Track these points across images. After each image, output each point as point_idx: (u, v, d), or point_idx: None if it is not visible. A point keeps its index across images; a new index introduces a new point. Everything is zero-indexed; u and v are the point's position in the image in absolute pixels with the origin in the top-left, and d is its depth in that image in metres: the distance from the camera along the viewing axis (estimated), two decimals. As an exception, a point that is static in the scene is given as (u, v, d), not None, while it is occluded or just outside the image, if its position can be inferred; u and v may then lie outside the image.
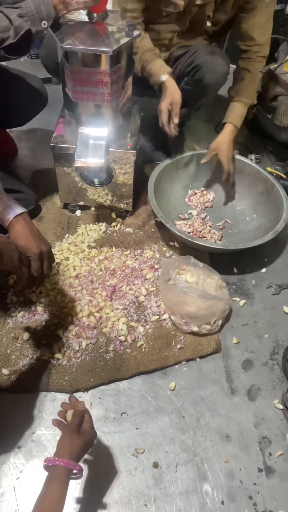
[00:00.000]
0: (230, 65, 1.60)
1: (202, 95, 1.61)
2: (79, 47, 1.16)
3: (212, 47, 1.59)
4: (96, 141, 1.36)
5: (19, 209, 1.09)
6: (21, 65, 2.20)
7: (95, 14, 1.22)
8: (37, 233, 1.09)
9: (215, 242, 1.57)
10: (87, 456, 1.09)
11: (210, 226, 1.64)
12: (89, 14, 1.23)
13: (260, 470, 1.10)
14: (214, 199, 1.73)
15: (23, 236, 1.05)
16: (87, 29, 1.22)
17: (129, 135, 1.46)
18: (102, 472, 1.07)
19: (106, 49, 1.15)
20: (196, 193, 1.74)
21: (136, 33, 1.22)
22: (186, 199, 1.72)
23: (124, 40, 1.19)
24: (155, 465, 1.09)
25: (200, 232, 1.60)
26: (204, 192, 1.75)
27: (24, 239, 1.05)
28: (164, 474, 1.08)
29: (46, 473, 0.87)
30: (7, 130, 1.86)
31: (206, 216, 1.67)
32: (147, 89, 1.84)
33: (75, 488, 1.04)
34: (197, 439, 1.14)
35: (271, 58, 2.56)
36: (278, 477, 1.09)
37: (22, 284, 1.02)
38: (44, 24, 1.11)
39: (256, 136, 2.10)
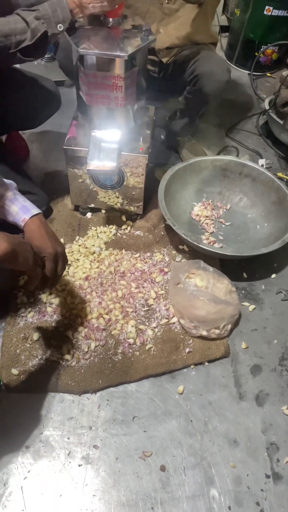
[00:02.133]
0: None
1: (204, 104, 1.63)
2: (94, 51, 1.17)
3: (214, 55, 1.60)
4: (109, 144, 1.36)
5: (35, 210, 1.10)
6: (35, 68, 2.22)
7: (111, 19, 1.23)
8: (52, 234, 1.10)
9: (212, 245, 1.57)
10: (94, 457, 1.09)
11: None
12: (105, 19, 1.24)
13: (267, 476, 1.09)
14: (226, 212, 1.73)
15: (38, 237, 1.06)
16: (103, 33, 1.23)
17: (141, 139, 1.46)
18: (109, 474, 1.07)
19: (121, 54, 1.16)
20: (206, 206, 1.72)
21: (151, 37, 1.23)
22: (193, 215, 1.71)
23: (140, 44, 1.20)
24: (162, 468, 1.09)
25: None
26: (219, 204, 1.74)
27: (39, 240, 1.06)
28: (172, 478, 1.07)
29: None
30: (20, 132, 1.88)
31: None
32: (160, 93, 1.86)
33: (82, 489, 1.04)
34: (204, 444, 1.14)
35: (283, 64, 2.58)
36: (285, 483, 1.08)
37: (35, 284, 1.02)
38: (60, 27, 1.12)
39: (267, 141, 2.10)
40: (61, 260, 1.10)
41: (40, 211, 1.12)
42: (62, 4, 1.09)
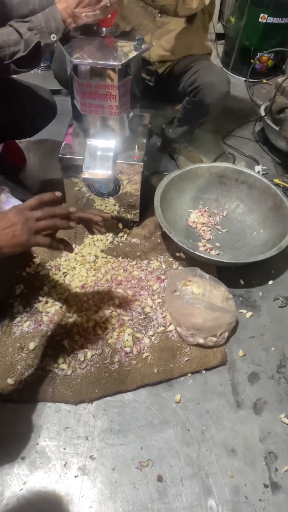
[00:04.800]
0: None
1: (204, 115, 1.63)
2: (87, 60, 1.18)
3: (214, 66, 1.61)
4: (104, 152, 1.37)
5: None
6: (31, 76, 2.24)
7: (104, 28, 1.24)
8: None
9: (209, 252, 1.57)
10: (90, 468, 1.08)
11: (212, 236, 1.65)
12: (98, 28, 1.25)
13: (266, 486, 1.08)
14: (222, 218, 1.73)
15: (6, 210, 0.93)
16: (96, 42, 1.24)
17: (136, 147, 1.47)
18: (106, 485, 1.06)
19: (115, 63, 1.17)
20: (202, 213, 1.72)
21: (145, 46, 1.23)
22: (190, 222, 1.71)
23: (133, 54, 1.21)
24: (160, 478, 1.08)
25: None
26: (215, 211, 1.74)
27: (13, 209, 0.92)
28: (169, 488, 1.06)
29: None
30: (16, 140, 1.88)
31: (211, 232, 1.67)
32: (156, 101, 1.87)
33: (78, 501, 1.03)
34: (202, 453, 1.13)
35: (279, 70, 2.59)
36: (284, 493, 1.07)
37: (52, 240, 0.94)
38: (54, 37, 1.12)
39: (263, 147, 2.10)
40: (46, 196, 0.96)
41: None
42: (55, 15, 1.10)
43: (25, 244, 0.89)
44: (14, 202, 1.09)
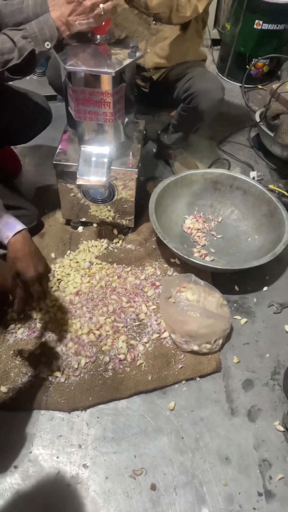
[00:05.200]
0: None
1: (198, 121, 1.64)
2: (81, 68, 1.18)
3: (208, 73, 1.61)
4: (99, 159, 1.37)
5: (20, 226, 1.11)
6: (27, 82, 2.23)
7: (98, 36, 1.24)
8: (35, 252, 1.11)
9: (204, 258, 1.57)
10: (83, 476, 1.07)
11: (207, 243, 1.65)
12: (92, 36, 1.25)
13: (260, 494, 1.08)
14: (217, 224, 1.73)
15: (21, 257, 1.07)
16: (90, 50, 1.24)
17: (131, 153, 1.47)
18: (99, 494, 1.06)
19: (109, 70, 1.17)
20: (197, 219, 1.72)
21: (139, 54, 1.24)
22: (185, 228, 1.70)
23: (127, 61, 1.21)
24: (153, 487, 1.07)
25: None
26: (210, 217, 1.74)
27: (22, 261, 1.07)
28: (162, 497, 1.06)
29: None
30: (12, 146, 1.88)
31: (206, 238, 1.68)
32: (151, 107, 1.87)
33: (71, 510, 1.02)
34: (196, 461, 1.12)
35: (274, 76, 2.60)
36: (278, 501, 1.07)
37: (19, 304, 1.04)
38: (48, 45, 1.12)
39: (258, 153, 2.11)
40: (44, 281, 1.12)
41: (25, 227, 1.12)
42: (48, 23, 1.10)
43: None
44: (5, 217, 1.11)
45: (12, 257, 1.07)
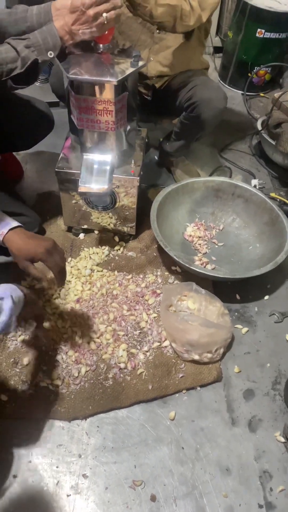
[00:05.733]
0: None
1: (200, 130, 1.64)
2: (84, 76, 1.18)
3: (210, 81, 1.61)
4: (101, 166, 1.37)
5: (14, 223, 1.13)
6: (30, 89, 2.21)
7: (101, 45, 1.24)
8: (33, 236, 1.13)
9: (205, 266, 1.57)
10: (83, 486, 1.07)
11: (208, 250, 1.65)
12: (95, 45, 1.25)
13: (260, 506, 1.07)
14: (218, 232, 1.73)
15: (22, 245, 1.09)
16: (93, 59, 1.24)
17: (133, 161, 1.47)
18: (99, 504, 1.05)
19: (111, 79, 1.17)
20: (199, 227, 1.71)
21: (141, 63, 1.24)
22: (186, 236, 1.70)
23: (130, 70, 1.21)
24: (153, 498, 1.06)
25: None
26: (212, 225, 1.74)
27: (24, 247, 1.09)
28: (162, 508, 1.05)
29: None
30: (14, 153, 1.89)
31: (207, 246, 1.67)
32: (153, 115, 1.88)
33: (70, 521, 1.02)
34: (196, 472, 1.11)
35: (276, 84, 2.61)
36: (279, 513, 1.06)
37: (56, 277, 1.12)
38: (51, 54, 1.13)
39: (260, 161, 2.11)
40: (56, 253, 1.11)
41: (20, 225, 1.14)
42: (52, 32, 1.10)
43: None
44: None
45: (15, 250, 1.09)
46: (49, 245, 1.11)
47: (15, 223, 1.13)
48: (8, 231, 1.11)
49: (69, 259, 1.56)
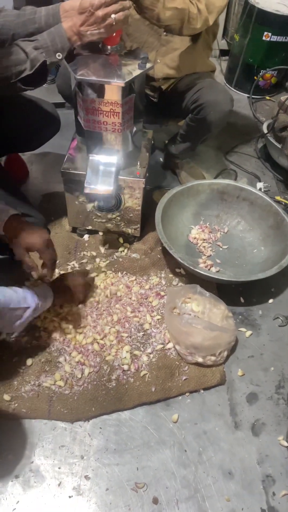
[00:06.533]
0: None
1: (206, 132, 1.64)
2: (92, 78, 1.18)
3: (217, 84, 1.61)
4: (106, 168, 1.37)
5: (12, 211, 1.18)
6: (36, 90, 2.24)
7: (109, 46, 1.25)
8: (33, 226, 1.21)
9: (209, 269, 1.57)
10: (85, 488, 1.06)
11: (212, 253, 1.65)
12: (103, 46, 1.26)
13: (263, 511, 1.07)
14: (223, 235, 1.73)
15: (23, 233, 1.16)
16: (101, 60, 1.24)
17: (138, 162, 1.47)
18: (100, 506, 1.05)
19: (119, 81, 1.17)
20: (203, 229, 1.71)
21: (149, 65, 1.24)
22: (191, 238, 1.70)
23: (137, 72, 1.21)
24: (155, 501, 1.06)
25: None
26: (216, 228, 1.74)
27: (25, 235, 1.16)
28: (164, 511, 1.05)
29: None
30: (20, 153, 1.89)
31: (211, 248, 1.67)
32: (159, 117, 1.88)
33: (72, 522, 1.02)
34: (198, 475, 1.11)
35: (282, 87, 2.61)
36: (281, 518, 1.06)
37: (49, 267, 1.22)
38: (59, 55, 1.13)
39: (265, 164, 2.11)
40: (51, 246, 1.21)
41: (18, 213, 1.19)
42: (60, 33, 1.10)
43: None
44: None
45: (13, 235, 1.15)
46: (47, 238, 1.19)
47: (14, 211, 1.18)
48: (8, 218, 1.16)
49: (73, 260, 1.56)
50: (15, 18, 1.18)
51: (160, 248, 1.62)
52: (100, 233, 1.65)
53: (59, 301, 1.32)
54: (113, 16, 1.11)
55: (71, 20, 1.12)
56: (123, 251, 1.62)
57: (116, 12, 1.11)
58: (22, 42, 1.08)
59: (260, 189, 1.88)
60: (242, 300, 1.51)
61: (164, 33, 1.54)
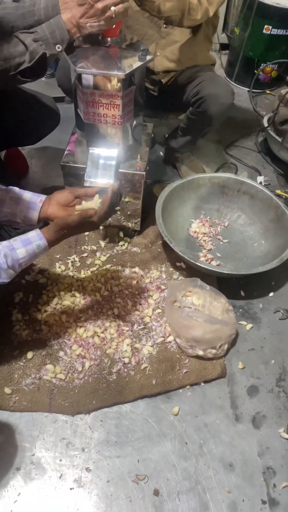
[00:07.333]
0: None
1: (207, 125, 1.64)
2: (91, 70, 1.18)
3: (218, 77, 1.61)
4: (106, 161, 1.37)
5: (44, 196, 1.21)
6: (35, 84, 2.21)
7: (109, 39, 1.24)
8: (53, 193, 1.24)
9: (210, 262, 1.57)
10: (86, 480, 1.07)
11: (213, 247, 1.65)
12: (103, 38, 1.25)
13: (263, 502, 1.07)
14: (224, 229, 1.72)
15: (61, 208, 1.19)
16: (101, 52, 1.24)
17: (139, 156, 1.47)
18: (101, 498, 1.05)
19: (119, 73, 1.17)
20: (204, 223, 1.71)
21: (149, 57, 1.23)
22: (191, 232, 1.70)
23: (137, 64, 1.21)
24: (156, 492, 1.06)
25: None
26: (217, 221, 1.73)
27: (58, 194, 1.21)
28: (165, 503, 1.05)
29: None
30: (19, 147, 1.89)
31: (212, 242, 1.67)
32: (160, 110, 1.87)
33: (73, 514, 1.02)
34: (199, 467, 1.11)
35: (283, 81, 2.60)
36: (282, 510, 1.06)
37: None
38: (59, 47, 1.13)
39: (266, 158, 2.10)
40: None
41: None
42: (59, 25, 1.10)
43: None
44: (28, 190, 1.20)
45: (53, 209, 1.18)
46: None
47: (44, 196, 1.22)
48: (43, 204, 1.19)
49: (74, 254, 1.56)
50: (14, 10, 1.18)
51: (161, 242, 1.62)
52: (101, 227, 1.65)
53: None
54: (112, 8, 1.11)
55: (70, 12, 1.12)
56: (124, 245, 1.61)
57: (116, 4, 1.11)
58: (21, 34, 1.07)
59: (260, 183, 1.88)
60: (242, 293, 1.51)
61: (164, 25, 1.53)
